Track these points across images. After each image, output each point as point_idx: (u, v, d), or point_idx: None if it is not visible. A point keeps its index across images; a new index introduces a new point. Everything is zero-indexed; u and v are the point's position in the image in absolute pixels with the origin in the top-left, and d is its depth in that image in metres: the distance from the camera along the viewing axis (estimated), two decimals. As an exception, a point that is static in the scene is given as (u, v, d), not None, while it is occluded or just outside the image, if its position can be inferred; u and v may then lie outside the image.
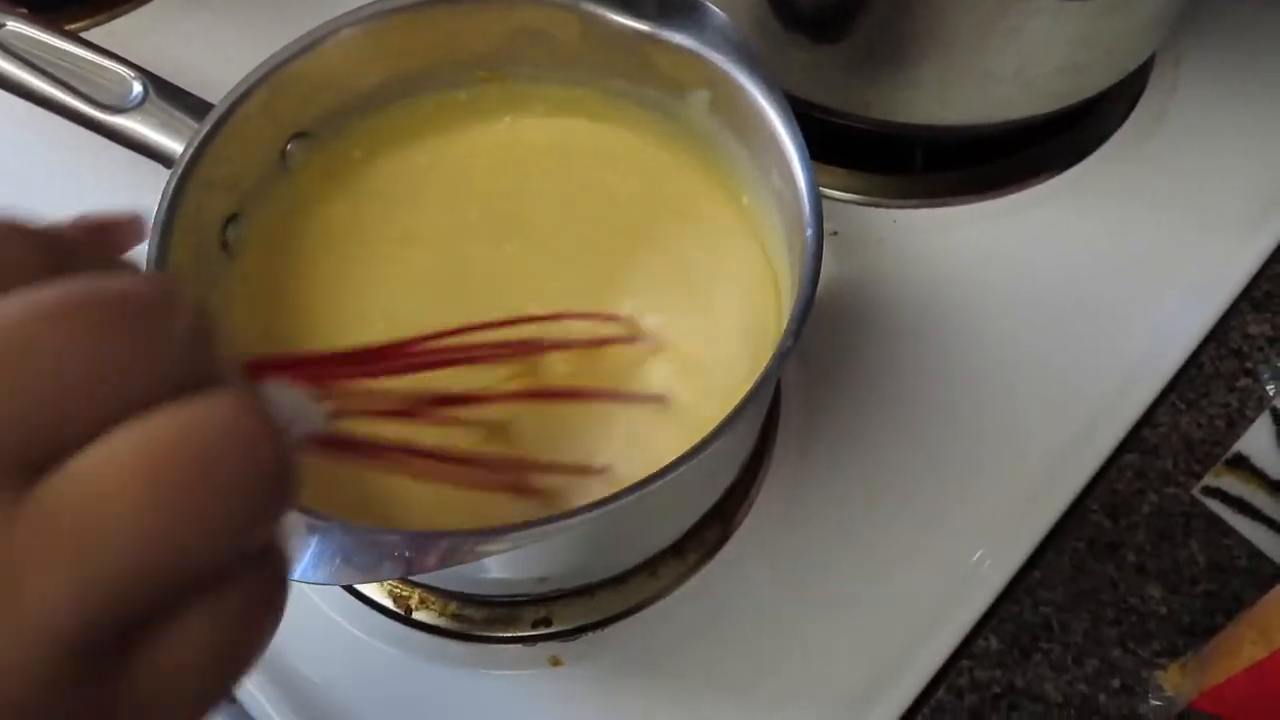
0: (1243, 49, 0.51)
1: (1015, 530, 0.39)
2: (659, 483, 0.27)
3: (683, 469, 0.28)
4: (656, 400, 0.35)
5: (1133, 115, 0.50)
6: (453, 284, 0.38)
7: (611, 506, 0.28)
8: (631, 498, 0.27)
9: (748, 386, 0.30)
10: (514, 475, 0.33)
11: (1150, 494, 0.40)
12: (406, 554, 0.28)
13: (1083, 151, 0.48)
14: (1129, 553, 0.39)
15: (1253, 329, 0.44)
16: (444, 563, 0.27)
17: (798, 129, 0.34)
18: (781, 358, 0.30)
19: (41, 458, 0.14)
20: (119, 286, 0.15)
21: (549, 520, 0.27)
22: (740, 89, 0.36)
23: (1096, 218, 0.47)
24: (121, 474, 0.14)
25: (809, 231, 0.33)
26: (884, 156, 0.47)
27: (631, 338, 0.36)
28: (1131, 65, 0.45)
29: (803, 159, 0.34)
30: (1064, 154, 0.48)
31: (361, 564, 0.28)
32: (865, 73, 0.43)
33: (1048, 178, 0.48)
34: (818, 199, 0.33)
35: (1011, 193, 0.47)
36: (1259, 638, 0.34)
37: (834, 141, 0.45)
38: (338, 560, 0.28)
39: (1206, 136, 0.49)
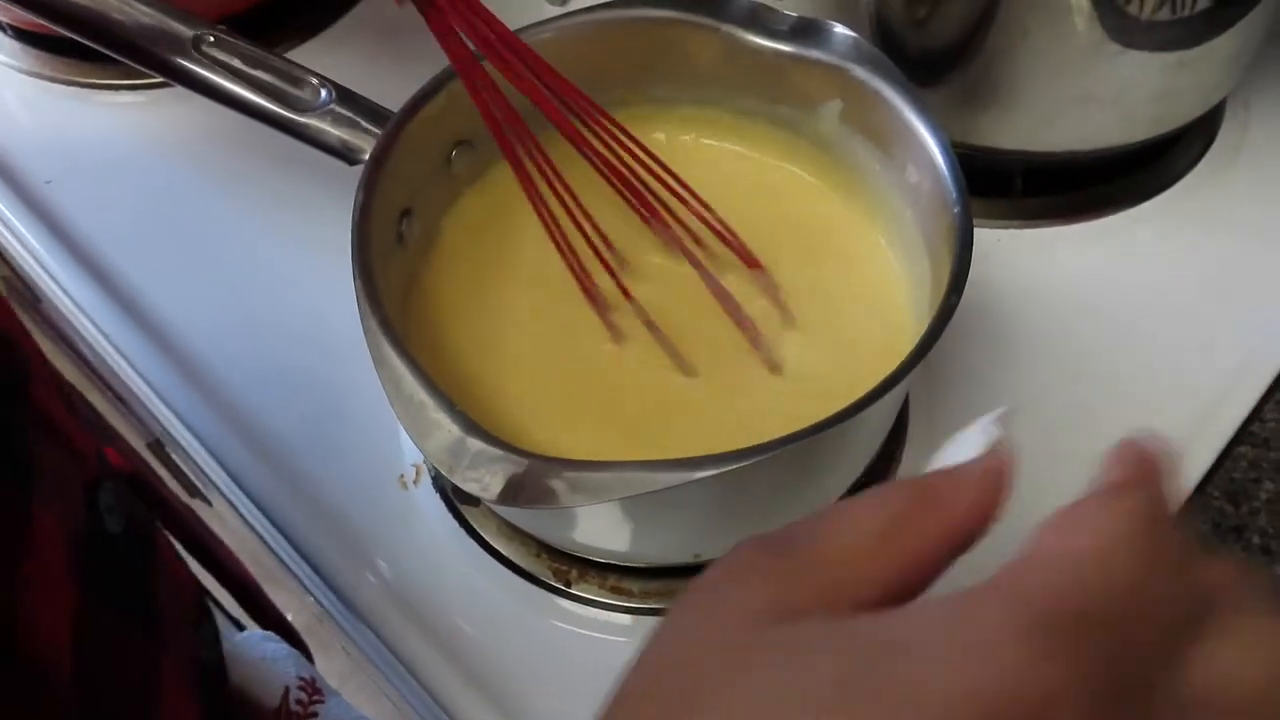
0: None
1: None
2: (847, 420, 0.30)
3: (875, 403, 0.30)
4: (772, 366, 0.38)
5: (1210, 150, 0.53)
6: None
7: (802, 440, 0.30)
8: (827, 432, 0.29)
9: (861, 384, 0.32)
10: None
11: (1266, 482, 0.42)
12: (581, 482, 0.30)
13: (1168, 181, 0.52)
14: (1253, 535, 0.41)
15: (1346, 335, 0.46)
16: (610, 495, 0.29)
17: (935, 122, 0.37)
18: (949, 313, 0.32)
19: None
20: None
21: (747, 452, 0.29)
22: (874, 93, 0.39)
23: (1187, 237, 0.50)
24: None
25: (956, 210, 0.36)
26: (987, 182, 0.50)
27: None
28: (1213, 99, 0.49)
29: (942, 146, 0.37)
30: (1151, 182, 0.51)
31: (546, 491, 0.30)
32: (971, 105, 0.47)
33: (1138, 203, 0.51)
34: (961, 179, 0.36)
35: (1106, 215, 0.50)
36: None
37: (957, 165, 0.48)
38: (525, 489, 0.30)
39: (1278, 164, 0.52)
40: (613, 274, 0.39)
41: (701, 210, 0.40)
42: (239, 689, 0.42)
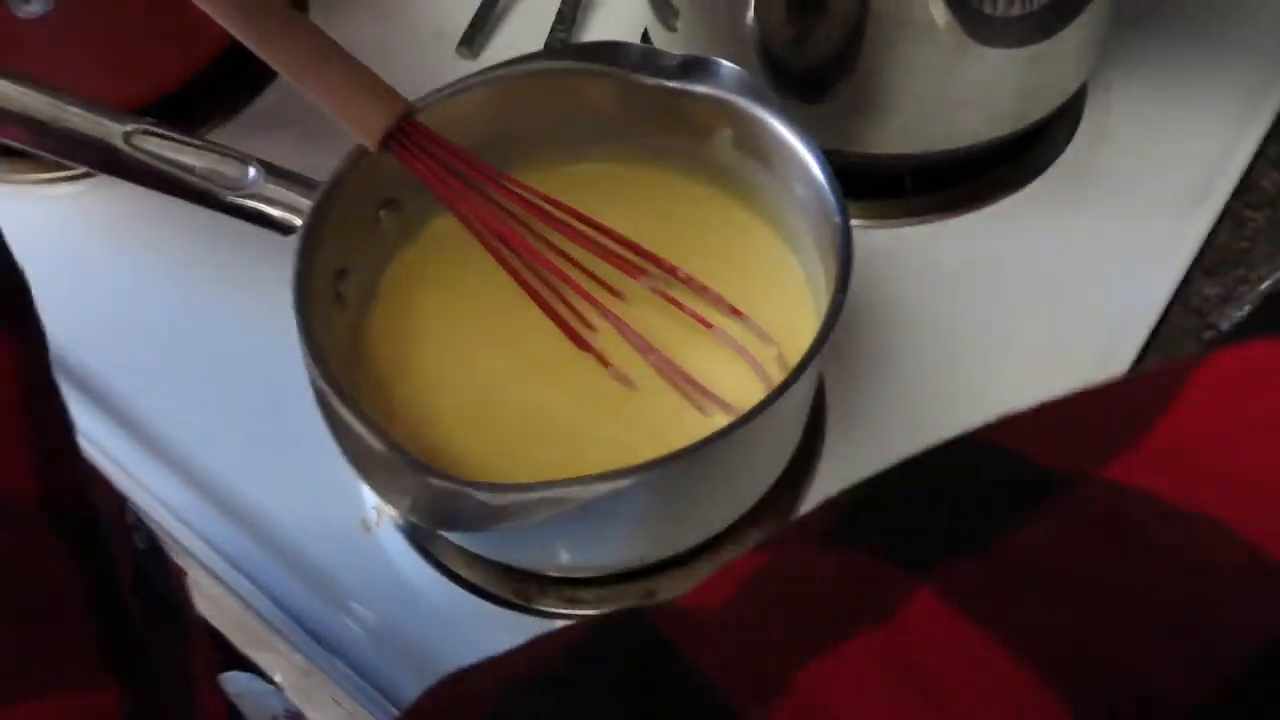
0: (1161, 72, 0.60)
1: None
2: (762, 414, 0.33)
3: (778, 401, 0.33)
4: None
5: (1077, 135, 0.58)
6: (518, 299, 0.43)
7: (715, 444, 0.33)
8: (740, 429, 0.33)
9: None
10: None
11: (1152, 432, 0.46)
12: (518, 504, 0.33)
13: (1041, 168, 0.56)
14: (1143, 481, 0.45)
15: (1208, 290, 0.51)
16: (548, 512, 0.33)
17: (813, 143, 0.41)
18: (837, 309, 0.36)
19: None
20: None
21: (673, 457, 0.33)
22: (760, 121, 0.43)
23: (1061, 217, 0.54)
24: None
25: (837, 219, 0.39)
26: (879, 185, 0.54)
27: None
28: (1072, 87, 0.54)
29: (820, 163, 0.41)
30: (1026, 171, 0.56)
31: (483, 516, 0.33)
32: (854, 117, 0.51)
33: (1015, 191, 0.55)
34: (839, 190, 0.40)
35: (988, 205, 0.54)
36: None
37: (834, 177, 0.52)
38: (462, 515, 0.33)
39: (1143, 143, 0.57)
40: (590, 300, 0.43)
41: (616, 237, 0.43)
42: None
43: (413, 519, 0.33)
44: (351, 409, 0.35)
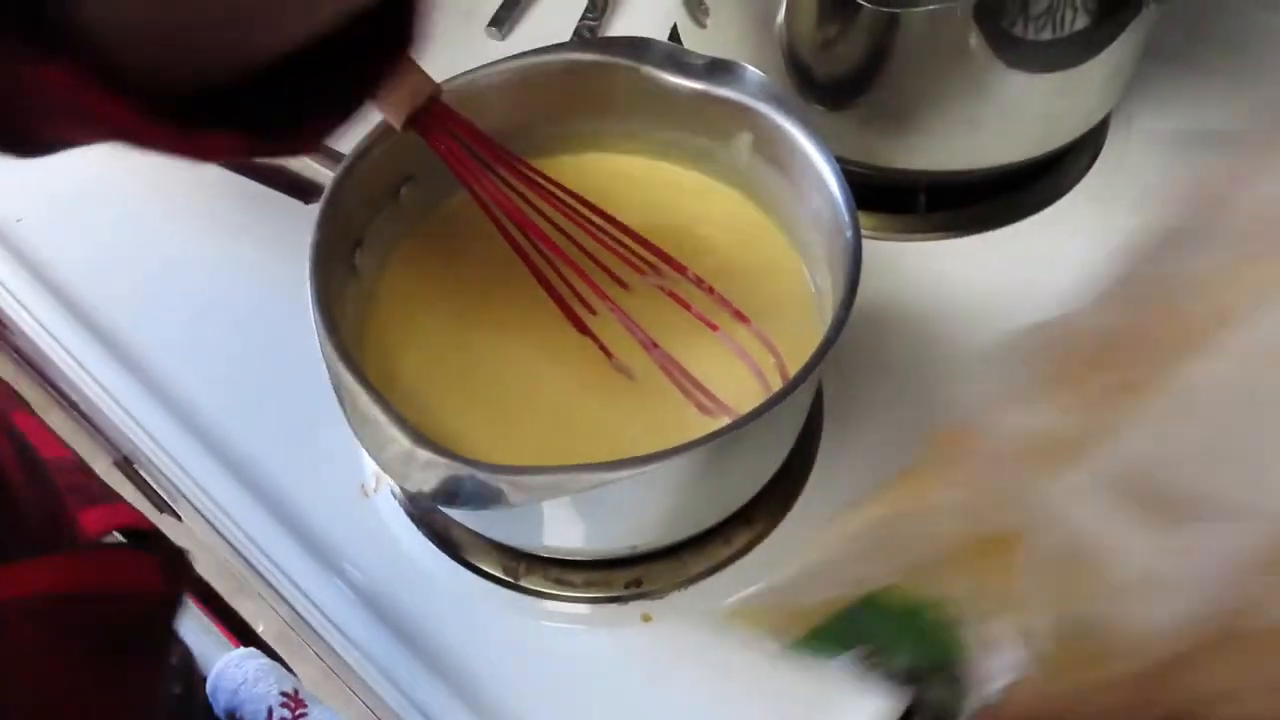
0: (1180, 105, 0.60)
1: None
2: (760, 418, 0.34)
3: (779, 405, 0.34)
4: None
5: (1097, 162, 0.58)
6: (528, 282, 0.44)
7: (721, 439, 0.34)
8: (736, 431, 0.34)
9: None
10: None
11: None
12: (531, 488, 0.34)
13: (1058, 193, 0.57)
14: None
15: (1215, 330, 0.52)
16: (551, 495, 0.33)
17: (831, 155, 0.42)
18: (840, 324, 0.37)
19: None
20: None
21: (674, 451, 0.34)
22: (780, 129, 0.44)
23: (1073, 245, 0.55)
24: None
25: (849, 234, 0.40)
26: (893, 199, 0.55)
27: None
28: (1095, 117, 0.54)
29: (837, 177, 0.41)
30: (1043, 195, 0.56)
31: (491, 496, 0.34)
32: (875, 129, 0.52)
33: (1030, 214, 0.56)
34: (853, 206, 0.40)
35: (1002, 227, 0.55)
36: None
37: (851, 188, 0.53)
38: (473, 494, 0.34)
39: (1159, 175, 0.57)
40: (597, 290, 0.43)
41: (629, 232, 0.44)
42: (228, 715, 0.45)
43: (410, 493, 0.34)
44: (358, 378, 0.36)
